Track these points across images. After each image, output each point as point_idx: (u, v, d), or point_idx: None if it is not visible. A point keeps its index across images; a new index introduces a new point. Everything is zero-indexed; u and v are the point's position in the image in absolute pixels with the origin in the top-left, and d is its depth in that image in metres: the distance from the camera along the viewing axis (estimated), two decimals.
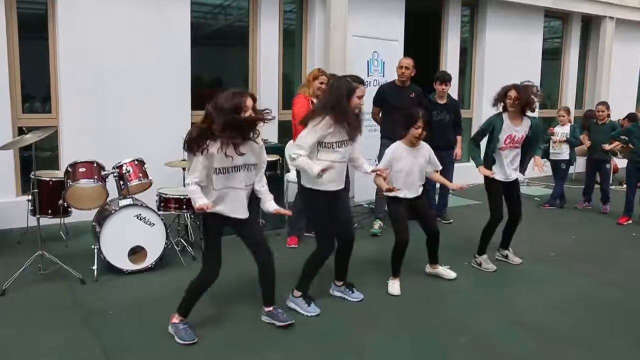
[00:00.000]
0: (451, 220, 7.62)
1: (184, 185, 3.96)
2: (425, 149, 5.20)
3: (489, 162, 5.64)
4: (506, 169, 5.60)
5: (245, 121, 3.84)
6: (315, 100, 6.17)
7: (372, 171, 4.82)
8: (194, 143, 3.83)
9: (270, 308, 4.34)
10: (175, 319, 4.13)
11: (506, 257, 5.96)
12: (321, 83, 6.20)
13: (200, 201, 3.82)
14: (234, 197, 4.01)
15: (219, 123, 3.79)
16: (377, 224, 7.01)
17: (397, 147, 5.10)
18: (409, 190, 5.11)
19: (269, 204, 4.24)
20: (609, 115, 8.52)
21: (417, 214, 5.20)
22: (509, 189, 5.69)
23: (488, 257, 5.76)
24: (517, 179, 5.72)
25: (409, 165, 5.08)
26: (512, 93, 5.45)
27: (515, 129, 5.55)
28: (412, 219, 5.18)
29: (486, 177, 5.61)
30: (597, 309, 4.83)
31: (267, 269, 4.22)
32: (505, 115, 5.57)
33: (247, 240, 4.19)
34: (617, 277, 5.63)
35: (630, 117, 10.19)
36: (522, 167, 5.77)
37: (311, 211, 4.67)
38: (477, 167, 5.64)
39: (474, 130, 10.48)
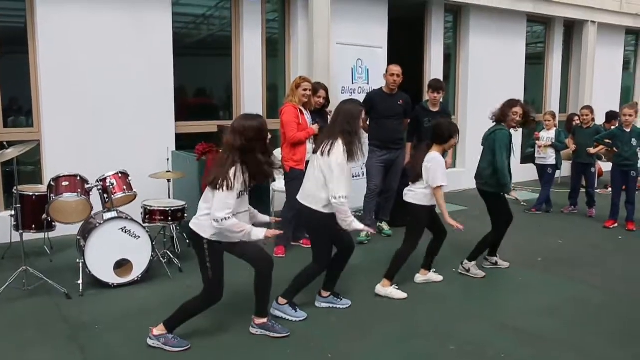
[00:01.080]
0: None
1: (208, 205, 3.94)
2: None
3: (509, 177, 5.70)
4: None
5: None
6: (302, 109, 6.22)
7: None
8: (226, 179, 3.85)
9: (264, 320, 4.35)
10: (158, 331, 4.13)
11: (495, 263, 6.02)
12: (304, 90, 6.25)
13: (259, 231, 3.96)
14: (244, 219, 4.08)
15: (256, 152, 3.93)
16: (364, 232, 7.03)
17: (441, 158, 5.19)
18: None
19: (262, 216, 4.41)
20: (593, 119, 8.65)
21: (434, 216, 5.37)
22: None
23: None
24: None
25: None
26: (519, 109, 5.62)
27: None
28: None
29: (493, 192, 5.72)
30: (587, 313, 4.90)
31: (264, 279, 4.23)
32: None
33: (247, 256, 4.20)
34: (604, 280, 5.71)
35: (609, 115, 10.33)
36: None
37: (324, 233, 4.65)
38: (508, 193, 5.68)
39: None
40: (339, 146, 4.42)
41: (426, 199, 5.16)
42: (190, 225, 4.08)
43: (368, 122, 7.16)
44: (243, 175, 3.93)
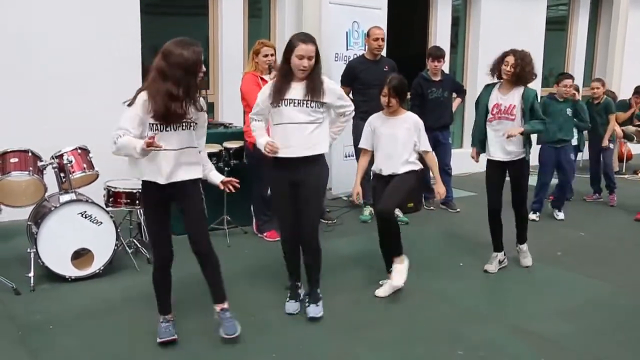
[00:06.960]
0: (458, 209, 7.96)
1: None
2: None
3: (482, 139, 5.76)
4: (503, 145, 5.60)
5: None
6: (264, 77, 6.22)
7: None
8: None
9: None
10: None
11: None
12: (265, 56, 6.28)
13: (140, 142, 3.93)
14: (168, 159, 4.15)
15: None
16: (368, 210, 7.31)
17: None
18: None
19: (215, 173, 4.47)
20: (604, 93, 8.63)
21: None
22: (510, 172, 5.72)
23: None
24: (522, 160, 5.65)
25: None
26: (510, 59, 5.57)
27: (502, 97, 5.65)
28: None
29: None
30: (612, 318, 4.91)
31: None
32: (497, 85, 5.76)
33: None
34: (632, 280, 5.73)
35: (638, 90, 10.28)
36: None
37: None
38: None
39: (468, 109, 10.65)
40: None
41: None
42: None
43: (351, 95, 7.16)
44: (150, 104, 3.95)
